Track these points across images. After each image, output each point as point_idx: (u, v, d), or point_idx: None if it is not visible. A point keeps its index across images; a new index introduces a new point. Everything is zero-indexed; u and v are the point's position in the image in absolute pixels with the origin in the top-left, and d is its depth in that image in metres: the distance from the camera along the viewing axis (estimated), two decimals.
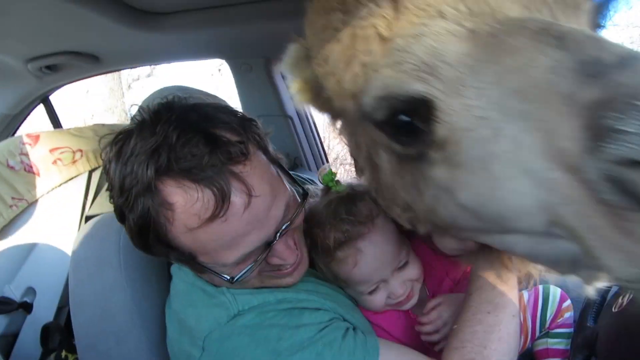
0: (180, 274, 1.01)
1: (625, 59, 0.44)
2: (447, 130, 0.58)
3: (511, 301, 0.91)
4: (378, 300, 1.03)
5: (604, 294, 1.19)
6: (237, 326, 0.86)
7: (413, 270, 1.05)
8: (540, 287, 1.52)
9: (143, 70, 8.67)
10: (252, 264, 0.87)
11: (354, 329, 0.92)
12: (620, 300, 1.02)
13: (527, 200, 0.53)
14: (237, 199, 0.78)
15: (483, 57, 0.54)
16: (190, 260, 0.85)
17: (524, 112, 0.51)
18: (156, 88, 1.33)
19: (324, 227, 1.00)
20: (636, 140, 0.40)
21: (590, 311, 1.18)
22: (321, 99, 0.79)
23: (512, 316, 0.90)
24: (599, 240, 0.47)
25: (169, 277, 1.11)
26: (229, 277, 0.86)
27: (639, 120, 0.40)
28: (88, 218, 1.34)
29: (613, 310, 1.03)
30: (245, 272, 0.87)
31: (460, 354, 0.86)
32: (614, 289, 1.14)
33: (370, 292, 1.03)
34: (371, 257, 0.99)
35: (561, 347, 1.49)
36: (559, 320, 1.54)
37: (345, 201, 1.02)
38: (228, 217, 0.77)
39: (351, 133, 0.85)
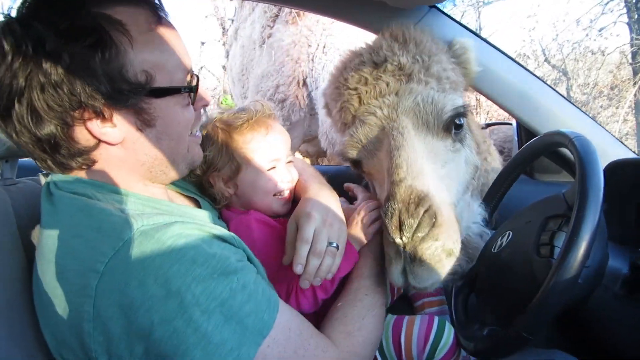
0: (63, 202, 0.86)
1: None
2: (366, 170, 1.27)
3: (382, 291, 1.14)
4: (274, 179, 1.23)
5: (480, 236, 1.30)
6: (145, 242, 0.77)
7: (295, 172, 1.29)
8: None
9: None
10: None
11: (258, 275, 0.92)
12: (499, 240, 1.12)
13: None
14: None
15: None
16: (141, 91, 0.84)
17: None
18: None
19: (239, 113, 1.23)
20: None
21: None
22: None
23: (381, 304, 1.12)
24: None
25: (25, 249, 0.95)
26: (190, 87, 0.92)
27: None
28: None
29: (492, 250, 1.13)
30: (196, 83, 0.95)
31: (343, 323, 1.03)
32: (492, 232, 1.25)
33: (269, 170, 1.22)
34: (277, 131, 1.26)
35: None
36: None
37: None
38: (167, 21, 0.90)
39: None
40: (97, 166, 0.89)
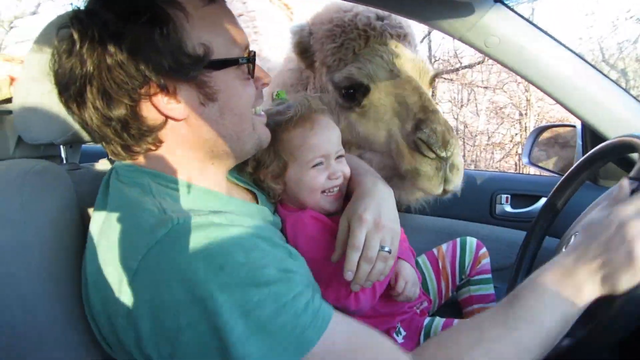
0: (113, 195, 0.88)
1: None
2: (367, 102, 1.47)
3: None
4: (320, 176, 1.17)
5: (541, 237, 1.24)
6: (178, 242, 0.75)
7: (346, 167, 1.22)
8: (458, 239, 1.58)
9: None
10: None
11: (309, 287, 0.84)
12: (564, 248, 1.06)
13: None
14: None
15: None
16: (200, 63, 0.85)
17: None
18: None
19: (285, 110, 1.20)
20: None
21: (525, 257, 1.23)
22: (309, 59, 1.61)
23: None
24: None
25: (86, 232, 0.93)
26: (248, 58, 0.92)
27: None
28: None
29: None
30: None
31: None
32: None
33: (315, 166, 1.17)
34: (324, 126, 1.20)
35: (483, 292, 1.58)
36: (477, 267, 1.62)
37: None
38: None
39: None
40: (162, 147, 0.90)
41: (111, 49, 0.79)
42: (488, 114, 9.43)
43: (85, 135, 1.03)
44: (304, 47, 1.60)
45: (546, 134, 1.95)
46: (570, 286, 0.77)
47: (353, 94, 1.47)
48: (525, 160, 1.85)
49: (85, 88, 0.83)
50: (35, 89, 0.99)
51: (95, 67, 0.81)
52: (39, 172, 0.95)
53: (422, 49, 1.80)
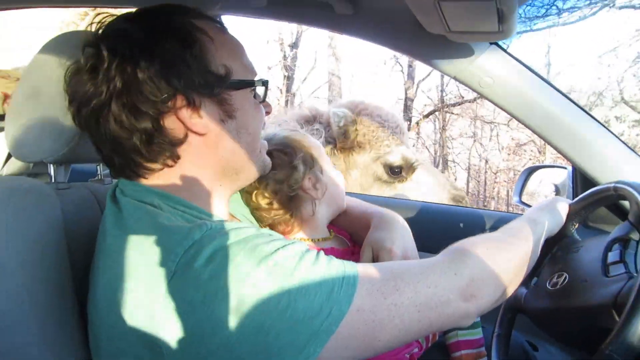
0: (127, 208, 0.87)
1: None
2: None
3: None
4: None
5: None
6: (213, 241, 0.76)
7: (341, 178, 1.29)
8: None
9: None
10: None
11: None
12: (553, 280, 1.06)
13: None
14: None
15: None
16: (223, 82, 0.90)
17: None
18: None
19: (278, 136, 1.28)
20: None
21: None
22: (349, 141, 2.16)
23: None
24: None
25: (70, 253, 0.96)
26: (264, 81, 0.98)
27: None
28: None
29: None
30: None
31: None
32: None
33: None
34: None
35: (471, 337, 1.55)
36: None
37: None
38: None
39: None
40: (176, 166, 0.92)
41: (143, 64, 0.83)
42: (509, 151, 9.49)
43: (77, 155, 1.03)
44: (347, 130, 2.08)
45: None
46: (534, 218, 1.06)
47: (399, 172, 2.07)
48: (515, 199, 1.85)
49: (109, 102, 0.85)
50: (28, 106, 1.00)
51: (125, 81, 0.84)
52: (26, 191, 0.95)
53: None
